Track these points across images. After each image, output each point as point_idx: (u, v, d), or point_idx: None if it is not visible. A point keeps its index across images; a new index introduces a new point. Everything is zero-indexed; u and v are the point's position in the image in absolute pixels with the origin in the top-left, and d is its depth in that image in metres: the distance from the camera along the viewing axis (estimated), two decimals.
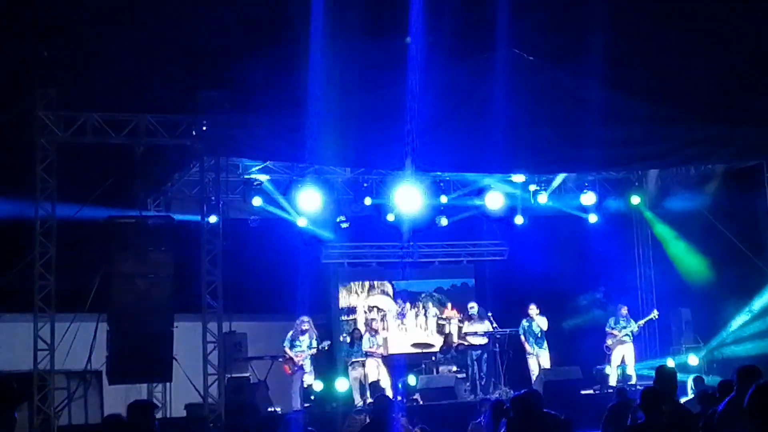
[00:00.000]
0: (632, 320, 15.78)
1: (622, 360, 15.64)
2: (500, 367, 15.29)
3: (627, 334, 15.69)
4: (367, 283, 17.96)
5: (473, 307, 16.31)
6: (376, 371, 14.83)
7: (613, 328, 15.77)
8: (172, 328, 12.46)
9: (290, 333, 14.55)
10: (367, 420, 9.93)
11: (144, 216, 13.14)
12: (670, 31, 16.13)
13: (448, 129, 13.25)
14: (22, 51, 13.97)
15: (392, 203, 15.03)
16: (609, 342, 15.77)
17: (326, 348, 14.67)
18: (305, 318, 14.53)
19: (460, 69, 13.61)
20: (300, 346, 14.42)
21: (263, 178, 14.70)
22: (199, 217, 13.01)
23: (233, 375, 13.43)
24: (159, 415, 13.29)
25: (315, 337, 14.56)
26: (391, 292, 17.96)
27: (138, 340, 12.28)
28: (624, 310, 15.83)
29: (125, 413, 6.48)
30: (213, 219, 12.93)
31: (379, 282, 17.99)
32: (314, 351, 14.42)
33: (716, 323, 16.05)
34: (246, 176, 14.66)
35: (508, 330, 15.65)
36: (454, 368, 15.35)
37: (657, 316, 16.07)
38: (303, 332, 14.45)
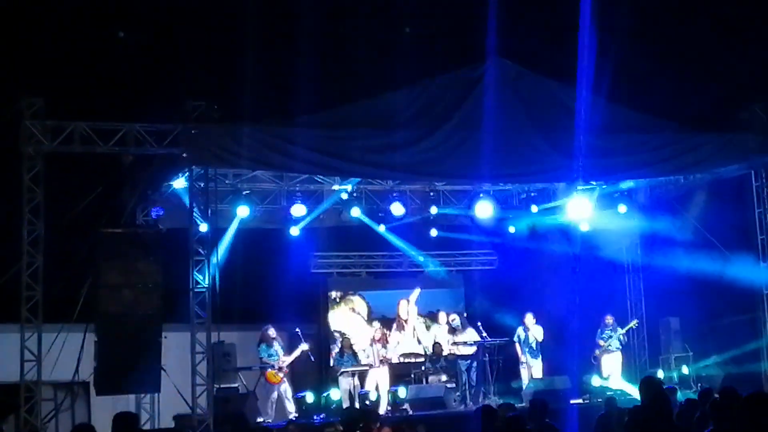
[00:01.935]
0: (619, 328, 15.85)
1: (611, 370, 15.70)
2: (490, 376, 15.30)
3: (614, 344, 15.73)
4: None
5: (455, 319, 16.34)
6: (375, 381, 14.84)
7: (599, 338, 15.85)
8: (160, 339, 12.38)
9: (263, 344, 14.60)
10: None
11: (132, 226, 13.08)
12: (656, 40, 16.21)
13: (439, 139, 13.25)
14: (8, 59, 13.89)
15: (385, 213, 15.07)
16: (597, 352, 15.83)
17: (306, 350, 14.75)
18: (269, 328, 14.65)
19: (452, 78, 13.61)
20: (277, 355, 14.52)
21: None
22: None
23: (222, 385, 13.36)
24: (147, 426, 13.26)
25: (282, 345, 14.69)
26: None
27: (126, 351, 12.20)
28: (609, 320, 15.90)
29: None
30: (204, 228, 12.87)
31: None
32: (291, 358, 14.50)
33: (705, 333, 16.11)
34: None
35: (497, 339, 15.70)
36: (444, 378, 15.33)
37: (636, 325, 16.12)
38: (274, 340, 14.56)
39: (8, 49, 13.64)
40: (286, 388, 14.66)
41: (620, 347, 15.89)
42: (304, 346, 14.87)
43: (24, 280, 12.13)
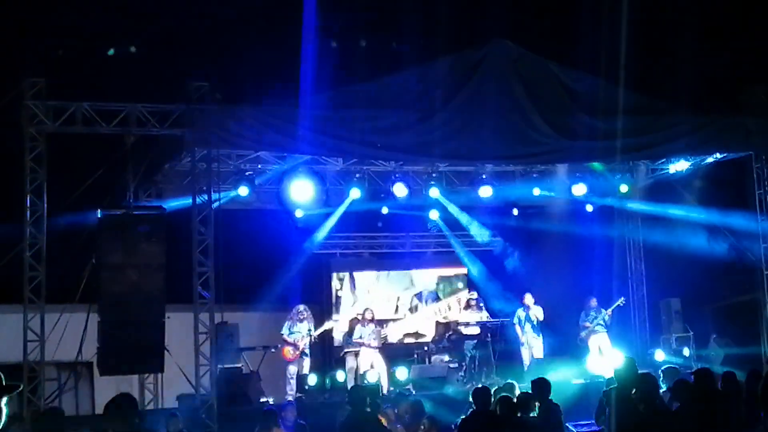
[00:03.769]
0: (603, 309, 15.91)
1: (599, 349, 15.77)
2: (492, 356, 15.35)
3: (599, 324, 15.83)
4: None
5: (473, 295, 16.37)
6: (369, 362, 14.86)
7: (585, 321, 15.92)
8: (163, 319, 12.38)
9: (288, 321, 14.61)
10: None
11: (135, 206, 13.06)
12: (659, 22, 16.21)
13: (442, 120, 13.25)
14: (11, 40, 13.82)
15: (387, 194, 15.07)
16: (582, 334, 15.93)
17: (332, 328, 14.69)
18: (301, 307, 14.60)
19: (454, 60, 13.60)
20: (300, 332, 14.50)
21: None
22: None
23: (225, 366, 13.38)
24: (151, 406, 13.29)
25: (312, 325, 14.63)
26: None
27: (129, 331, 12.16)
28: (593, 302, 15.99)
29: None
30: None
31: None
32: (312, 337, 14.49)
33: (705, 314, 16.20)
34: None
35: (500, 320, 15.75)
36: (447, 358, 15.38)
37: (623, 302, 16.20)
38: (300, 320, 14.54)
39: (11, 29, 13.57)
40: (302, 366, 14.65)
41: (605, 328, 15.94)
42: (328, 324, 14.88)
43: (26, 261, 12.12)
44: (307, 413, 12.42)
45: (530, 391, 9.29)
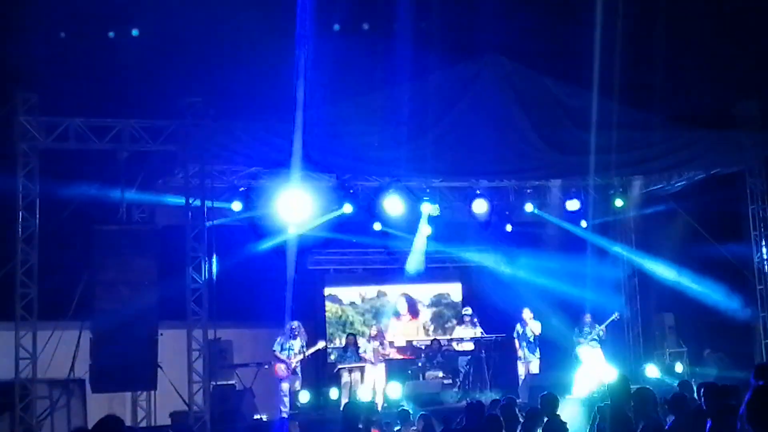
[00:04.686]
0: (597, 325, 15.91)
1: (592, 364, 15.76)
2: (486, 372, 15.31)
3: (594, 339, 15.82)
4: None
5: (467, 310, 16.33)
6: (372, 378, 14.80)
7: (579, 336, 15.90)
8: (156, 336, 12.34)
9: (280, 338, 14.51)
10: None
11: (127, 222, 13.03)
12: (652, 38, 16.25)
13: (435, 136, 13.26)
14: (3, 55, 13.79)
15: (380, 210, 15.02)
16: (577, 349, 15.89)
17: (324, 347, 14.59)
18: (295, 323, 14.52)
19: (448, 76, 13.63)
20: (292, 350, 14.40)
21: None
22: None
23: (218, 382, 13.31)
24: (143, 424, 13.21)
25: (305, 342, 14.53)
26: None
27: (122, 348, 12.12)
28: (587, 318, 15.98)
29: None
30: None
31: None
32: (303, 355, 14.41)
33: (699, 328, 16.18)
34: None
35: (494, 335, 15.71)
36: (441, 374, 15.33)
37: (618, 317, 16.20)
38: (294, 336, 14.44)
39: (3, 44, 13.53)
40: (294, 384, 14.53)
41: (599, 343, 15.93)
42: (321, 344, 14.83)
43: (19, 278, 12.06)
44: (300, 431, 12.38)
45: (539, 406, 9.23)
